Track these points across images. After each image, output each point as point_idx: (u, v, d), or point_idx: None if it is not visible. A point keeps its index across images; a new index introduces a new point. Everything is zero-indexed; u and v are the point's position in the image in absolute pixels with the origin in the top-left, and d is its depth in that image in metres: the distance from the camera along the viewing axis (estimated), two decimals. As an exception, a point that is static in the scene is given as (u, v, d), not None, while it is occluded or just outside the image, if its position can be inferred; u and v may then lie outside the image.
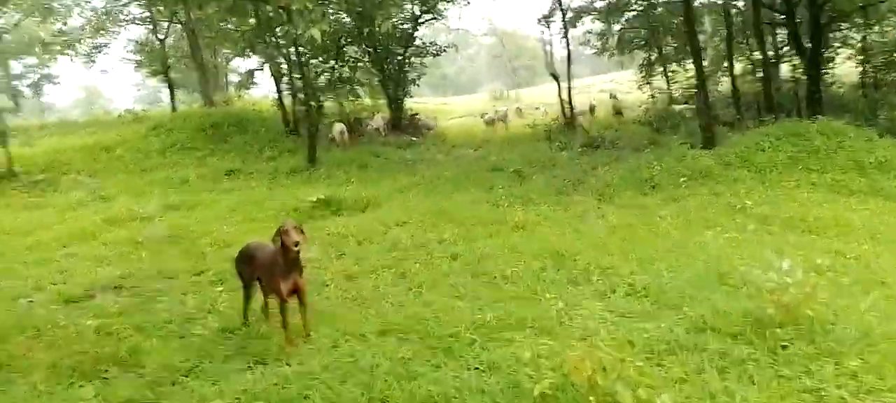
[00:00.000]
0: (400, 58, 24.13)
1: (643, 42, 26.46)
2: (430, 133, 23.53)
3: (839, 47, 21.13)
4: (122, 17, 26.54)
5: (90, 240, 9.31)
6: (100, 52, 27.44)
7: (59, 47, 26.06)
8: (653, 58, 26.68)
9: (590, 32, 28.08)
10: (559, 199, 10.85)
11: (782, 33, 20.57)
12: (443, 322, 5.23)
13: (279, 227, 4.99)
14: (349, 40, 20.21)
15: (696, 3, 19.22)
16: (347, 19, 20.06)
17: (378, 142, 20.33)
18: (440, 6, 24.33)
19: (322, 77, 18.94)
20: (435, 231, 8.76)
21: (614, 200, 10.54)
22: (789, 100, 18.39)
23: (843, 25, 20.24)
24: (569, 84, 22.59)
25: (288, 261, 4.98)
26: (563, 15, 23.81)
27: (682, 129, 17.69)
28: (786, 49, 20.67)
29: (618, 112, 24.69)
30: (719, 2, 20.05)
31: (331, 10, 17.27)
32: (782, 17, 18.58)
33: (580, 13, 25.53)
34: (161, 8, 24.79)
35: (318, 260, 7.70)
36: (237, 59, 28.58)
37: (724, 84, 22.15)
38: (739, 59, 21.59)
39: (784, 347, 4.20)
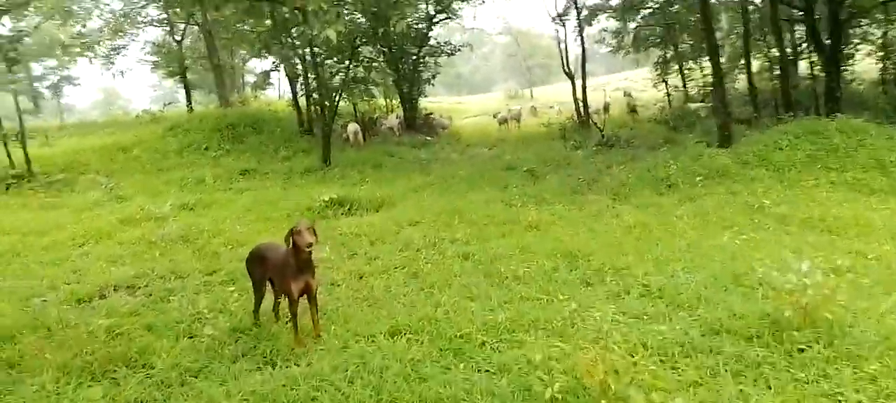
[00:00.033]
0: (414, 57, 24.14)
1: (659, 40, 26.22)
2: (445, 132, 23.53)
3: (859, 44, 20.81)
4: (140, 19, 26.76)
5: (105, 240, 9.36)
6: (118, 53, 27.68)
7: (78, 49, 26.32)
8: (668, 55, 26.45)
9: (605, 30, 27.91)
10: (573, 199, 10.76)
11: (800, 30, 20.31)
12: (453, 322, 5.19)
13: (292, 228, 4.97)
14: (364, 40, 20.22)
15: (713, 0, 19.00)
16: (362, 19, 20.09)
17: (392, 141, 20.38)
18: (455, 6, 24.34)
19: (337, 77, 18.98)
20: (448, 230, 8.72)
21: (629, 200, 10.43)
22: (807, 98, 18.13)
23: (863, 21, 19.91)
24: (583, 82, 22.46)
25: (300, 262, 4.96)
26: (578, 13, 23.68)
27: (698, 128, 17.54)
28: (803, 46, 20.40)
29: (632, 110, 24.56)
30: (736, -1, 19.86)
31: (346, 11, 17.28)
32: (801, 13, 18.30)
33: (595, 11, 25.36)
34: (178, 10, 24.96)
35: (331, 259, 7.68)
36: (253, 59, 28.76)
37: (741, 81, 21.91)
38: (756, 56, 21.33)
39: (801, 350, 4.12)
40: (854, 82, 20.12)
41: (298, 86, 20.23)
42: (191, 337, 5.36)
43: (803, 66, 20.64)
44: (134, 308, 6.22)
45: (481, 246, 7.77)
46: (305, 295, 5.09)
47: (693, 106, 22.35)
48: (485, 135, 22.78)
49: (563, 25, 24.48)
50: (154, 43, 29.61)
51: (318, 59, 17.85)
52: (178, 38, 27.43)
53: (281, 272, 5.16)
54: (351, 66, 18.68)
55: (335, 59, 19.66)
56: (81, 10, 25.18)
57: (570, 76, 23.44)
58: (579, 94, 22.51)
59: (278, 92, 31.56)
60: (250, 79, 31.07)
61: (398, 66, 23.86)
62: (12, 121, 18.32)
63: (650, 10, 25.15)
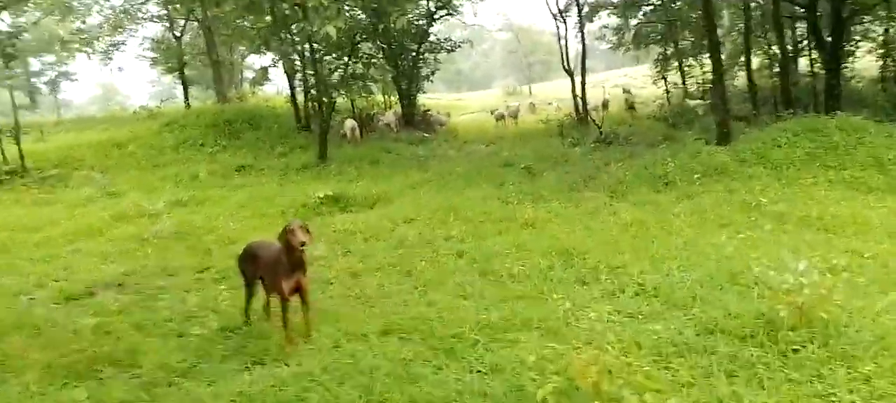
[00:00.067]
0: (414, 54, 24.04)
1: (659, 36, 26.14)
2: (443, 129, 23.44)
3: (860, 41, 20.71)
4: (139, 14, 26.71)
5: (97, 237, 9.32)
6: (117, 49, 27.65)
7: (77, 45, 26.32)
8: (668, 52, 26.36)
9: (606, 27, 27.82)
10: (570, 196, 10.69)
11: (802, 27, 20.20)
12: (446, 322, 5.14)
13: (285, 226, 4.92)
14: (364, 37, 20.14)
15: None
16: (362, 16, 20.00)
17: (389, 138, 20.29)
18: (455, 2, 24.18)
19: (335, 74, 18.91)
20: (443, 228, 8.67)
21: (627, 197, 10.36)
22: (807, 95, 18.03)
23: (865, 18, 19.81)
24: (583, 79, 22.37)
25: (292, 260, 4.91)
26: (580, 10, 23.59)
27: (696, 125, 17.43)
28: (804, 43, 20.30)
29: (631, 107, 24.47)
30: (739, -4, 19.75)
31: (346, 7, 17.22)
32: (803, 10, 18.21)
33: (597, 7, 25.27)
34: (178, 6, 24.90)
35: (324, 257, 7.64)
36: (252, 55, 28.64)
37: (741, 78, 21.82)
38: (757, 53, 21.24)
39: (796, 350, 4.06)
40: (853, 80, 20.02)
41: (296, 82, 20.16)
42: (180, 336, 5.30)
43: (803, 64, 20.55)
44: (123, 306, 6.17)
45: (477, 243, 7.73)
46: (297, 294, 5.03)
47: (692, 103, 22.24)
48: (482, 132, 22.72)
49: (564, 22, 24.42)
50: (153, 39, 29.58)
51: (318, 56, 17.78)
52: (178, 33, 27.36)
53: (273, 270, 5.10)
54: (350, 62, 18.61)
55: (334, 55, 19.61)
56: (81, 6, 25.17)
57: (570, 73, 23.35)
58: (578, 91, 22.43)
59: (276, 88, 31.55)
60: (249, 75, 30.95)
61: (397, 63, 23.76)
62: (7, 117, 18.26)
63: (652, 7, 25.07)
